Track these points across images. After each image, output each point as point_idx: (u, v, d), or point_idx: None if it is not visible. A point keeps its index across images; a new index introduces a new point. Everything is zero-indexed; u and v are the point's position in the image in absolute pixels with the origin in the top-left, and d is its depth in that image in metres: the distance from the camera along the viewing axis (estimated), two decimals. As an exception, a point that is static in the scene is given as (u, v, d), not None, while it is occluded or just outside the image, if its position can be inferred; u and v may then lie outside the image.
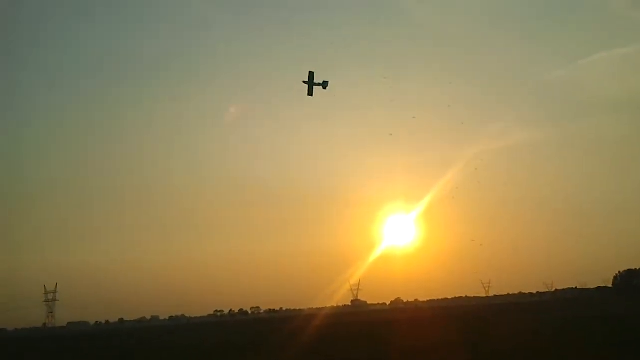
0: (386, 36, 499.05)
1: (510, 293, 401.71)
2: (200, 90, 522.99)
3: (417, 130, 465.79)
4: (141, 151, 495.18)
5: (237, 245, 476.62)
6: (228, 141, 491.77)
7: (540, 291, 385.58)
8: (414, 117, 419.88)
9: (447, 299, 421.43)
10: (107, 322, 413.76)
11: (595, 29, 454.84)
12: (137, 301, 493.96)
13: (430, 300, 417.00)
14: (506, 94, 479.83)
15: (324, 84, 70.00)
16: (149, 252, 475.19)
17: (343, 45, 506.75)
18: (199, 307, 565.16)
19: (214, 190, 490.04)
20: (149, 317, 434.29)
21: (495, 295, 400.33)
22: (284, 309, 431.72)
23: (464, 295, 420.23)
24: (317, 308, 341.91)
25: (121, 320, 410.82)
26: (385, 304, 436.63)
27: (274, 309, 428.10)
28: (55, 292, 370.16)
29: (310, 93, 70.04)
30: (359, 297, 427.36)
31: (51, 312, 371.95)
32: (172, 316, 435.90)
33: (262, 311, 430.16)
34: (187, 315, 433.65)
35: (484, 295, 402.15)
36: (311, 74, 69.47)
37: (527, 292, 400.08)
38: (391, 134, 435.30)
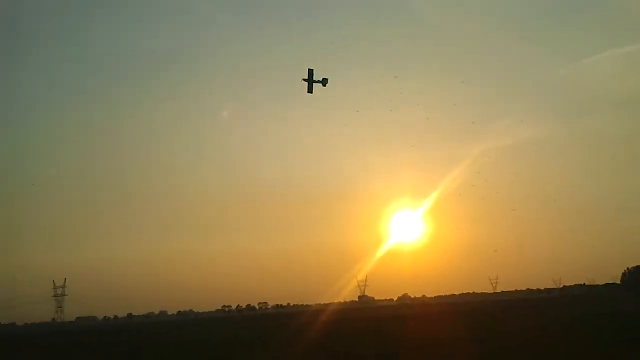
0: (390, 36, 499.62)
1: (518, 289, 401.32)
2: (204, 89, 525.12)
3: (424, 128, 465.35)
4: (149, 149, 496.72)
5: (245, 242, 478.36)
6: (236, 140, 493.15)
7: (548, 288, 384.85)
8: (428, 119, 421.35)
9: (454, 295, 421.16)
10: (116, 317, 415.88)
11: (600, 27, 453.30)
12: (145, 297, 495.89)
13: (437, 296, 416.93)
14: (512, 92, 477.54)
15: (324, 81, 70.05)
16: (157, 248, 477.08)
17: (348, 44, 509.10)
18: (207, 303, 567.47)
19: (223, 188, 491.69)
20: (157, 313, 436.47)
21: (502, 292, 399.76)
22: (292, 304, 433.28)
23: (471, 292, 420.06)
24: (324, 304, 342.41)
25: (130, 316, 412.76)
26: (392, 300, 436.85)
27: (281, 305, 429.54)
28: (64, 287, 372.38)
29: (310, 90, 70.13)
30: (366, 293, 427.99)
31: (60, 307, 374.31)
32: (180, 311, 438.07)
33: (269, 307, 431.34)
34: (195, 310, 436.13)
35: (491, 291, 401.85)
36: (311, 72, 69.59)
37: (535, 288, 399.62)
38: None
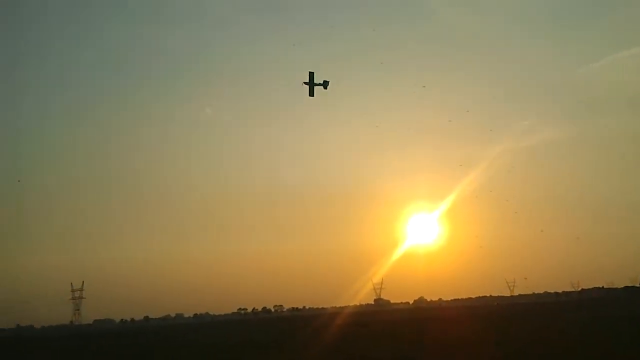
0: (407, 38, 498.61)
1: (536, 292, 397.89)
2: (220, 91, 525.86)
3: (441, 130, 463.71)
4: (166, 151, 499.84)
5: (261, 244, 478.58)
6: (253, 141, 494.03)
7: (566, 291, 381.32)
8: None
9: (471, 298, 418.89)
10: (133, 319, 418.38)
11: (614, 28, 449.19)
12: (162, 299, 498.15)
13: (454, 299, 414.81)
14: (529, 93, 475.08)
15: (325, 84, 70.00)
16: (174, 250, 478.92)
17: (366, 47, 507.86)
18: (222, 305, 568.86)
19: (240, 190, 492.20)
20: (173, 315, 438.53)
21: (520, 295, 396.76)
22: (307, 307, 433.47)
23: (488, 295, 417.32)
24: (340, 307, 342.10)
25: (146, 318, 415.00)
26: (408, 303, 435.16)
27: (297, 308, 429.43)
28: (81, 290, 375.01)
29: (311, 94, 70.07)
30: (382, 296, 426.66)
31: (77, 310, 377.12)
32: (196, 314, 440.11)
33: (285, 309, 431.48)
34: (211, 313, 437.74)
35: (508, 294, 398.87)
36: (311, 75, 69.56)
37: (552, 291, 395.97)
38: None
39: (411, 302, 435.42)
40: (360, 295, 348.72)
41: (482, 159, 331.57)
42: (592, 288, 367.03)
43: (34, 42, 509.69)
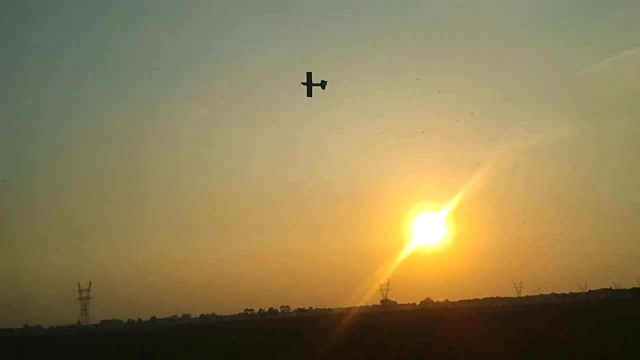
0: (414, 37, 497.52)
1: (543, 294, 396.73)
2: (223, 90, 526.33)
3: (447, 130, 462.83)
4: (172, 151, 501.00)
5: (268, 245, 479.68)
6: (258, 141, 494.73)
7: (573, 292, 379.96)
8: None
9: (478, 299, 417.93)
10: (140, 320, 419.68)
11: (620, 28, 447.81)
12: (169, 300, 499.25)
13: (461, 300, 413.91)
14: (534, 93, 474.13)
15: (322, 84, 70.00)
16: (181, 251, 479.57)
17: (372, 46, 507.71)
18: (229, 306, 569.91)
19: (246, 190, 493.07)
20: (180, 316, 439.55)
21: (526, 296, 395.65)
22: (314, 308, 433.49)
23: (495, 296, 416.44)
24: (346, 308, 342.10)
25: (153, 319, 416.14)
26: (415, 304, 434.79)
27: (303, 308, 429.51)
28: (89, 290, 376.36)
29: (309, 94, 70.06)
30: (388, 297, 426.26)
31: (85, 310, 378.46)
32: (203, 314, 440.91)
33: (291, 310, 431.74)
34: (218, 313, 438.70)
35: (515, 295, 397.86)
36: (309, 75, 69.52)
37: (559, 292, 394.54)
38: (423, 132, 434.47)
39: (418, 303, 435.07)
40: (367, 296, 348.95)
41: (488, 159, 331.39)
42: (600, 289, 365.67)
43: (34, 42, 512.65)
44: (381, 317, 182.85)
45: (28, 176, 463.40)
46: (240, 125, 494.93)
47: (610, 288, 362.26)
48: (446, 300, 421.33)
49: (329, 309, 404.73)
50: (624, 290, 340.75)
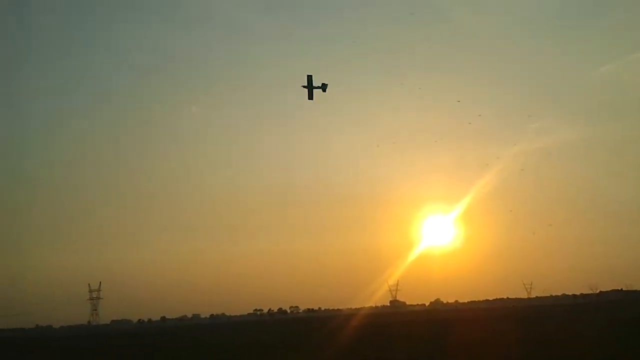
0: (423, 38, 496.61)
1: (553, 295, 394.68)
2: (231, 92, 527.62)
3: (456, 132, 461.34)
4: (183, 152, 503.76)
5: (277, 245, 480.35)
6: (267, 142, 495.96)
7: (584, 293, 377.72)
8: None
9: (487, 300, 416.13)
10: (150, 320, 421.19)
11: (631, 29, 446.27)
12: (179, 300, 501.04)
13: (470, 301, 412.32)
14: (544, 95, 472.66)
15: (323, 87, 70.05)
16: (190, 251, 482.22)
17: (382, 48, 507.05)
18: (239, 306, 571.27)
19: (255, 190, 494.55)
20: (190, 316, 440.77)
21: (537, 297, 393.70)
22: (323, 308, 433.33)
23: (505, 297, 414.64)
24: (355, 308, 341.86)
25: (163, 319, 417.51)
26: (424, 304, 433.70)
27: (312, 309, 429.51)
28: (99, 290, 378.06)
29: (310, 97, 70.10)
30: (397, 298, 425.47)
31: (95, 310, 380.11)
32: (212, 314, 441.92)
33: (300, 310, 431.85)
34: (227, 313, 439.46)
35: (525, 296, 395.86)
36: (309, 78, 69.53)
37: (570, 294, 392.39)
38: (436, 141, 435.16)
39: (427, 304, 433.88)
40: (376, 296, 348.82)
41: (497, 160, 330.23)
42: (611, 290, 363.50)
43: (41, 44, 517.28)
44: (390, 318, 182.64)
45: (38, 178, 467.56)
46: (248, 125, 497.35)
47: (621, 289, 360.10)
48: (456, 301, 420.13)
49: (338, 309, 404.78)
50: (635, 291, 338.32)
